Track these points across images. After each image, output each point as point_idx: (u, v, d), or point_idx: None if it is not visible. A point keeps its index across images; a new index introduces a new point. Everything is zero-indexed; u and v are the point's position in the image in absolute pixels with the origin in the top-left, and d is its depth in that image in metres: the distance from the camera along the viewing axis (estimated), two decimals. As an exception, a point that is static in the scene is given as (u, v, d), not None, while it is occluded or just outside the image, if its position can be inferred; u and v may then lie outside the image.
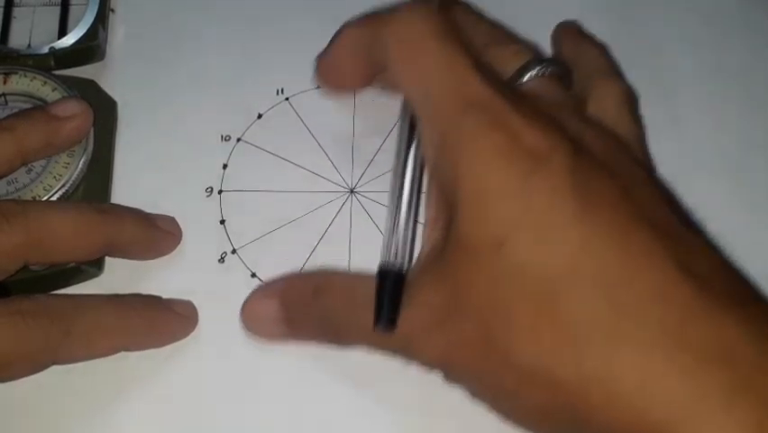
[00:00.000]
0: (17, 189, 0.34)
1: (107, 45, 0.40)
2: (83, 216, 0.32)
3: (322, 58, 0.35)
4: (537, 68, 0.31)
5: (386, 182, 0.36)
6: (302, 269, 0.35)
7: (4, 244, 0.30)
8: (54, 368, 0.31)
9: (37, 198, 0.34)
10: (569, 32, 0.37)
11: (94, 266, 0.34)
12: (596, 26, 0.39)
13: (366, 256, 0.35)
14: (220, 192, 0.37)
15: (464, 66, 0.28)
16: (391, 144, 0.37)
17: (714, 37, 0.40)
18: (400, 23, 0.30)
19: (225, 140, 0.38)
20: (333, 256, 0.35)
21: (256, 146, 0.38)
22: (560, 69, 0.32)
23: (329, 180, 0.37)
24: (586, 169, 0.27)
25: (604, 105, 0.32)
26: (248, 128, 0.38)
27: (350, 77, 0.35)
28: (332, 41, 0.34)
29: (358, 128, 0.38)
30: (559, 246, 0.25)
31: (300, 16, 0.41)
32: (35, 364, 0.30)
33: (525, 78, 0.31)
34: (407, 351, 0.29)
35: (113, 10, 0.41)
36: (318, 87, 0.39)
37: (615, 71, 0.34)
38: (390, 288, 0.29)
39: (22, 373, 0.30)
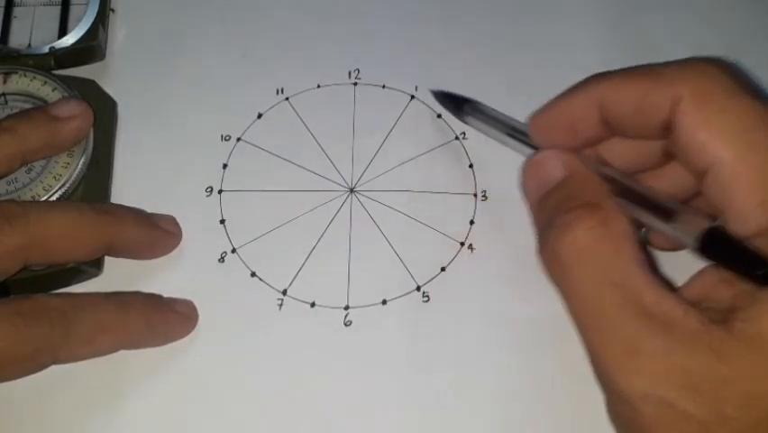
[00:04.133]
0: (17, 189, 0.34)
1: (107, 45, 0.40)
2: (83, 216, 0.32)
3: (552, 106, 0.31)
4: None
5: (386, 182, 0.36)
6: (302, 268, 0.35)
7: (5, 245, 0.30)
8: (54, 368, 0.31)
9: (36, 198, 0.34)
10: None
11: (94, 266, 0.34)
12: (596, 26, 0.39)
13: (366, 256, 0.35)
14: (220, 192, 0.37)
15: None
16: (391, 144, 0.37)
17: (714, 37, 0.40)
18: (697, 78, 0.27)
19: (225, 140, 0.38)
20: (333, 256, 0.35)
21: (256, 146, 0.38)
22: None
23: (329, 180, 0.37)
24: None
25: None
26: (248, 128, 0.38)
27: (577, 135, 0.31)
28: (575, 93, 0.30)
29: (358, 128, 0.38)
30: None
31: (300, 16, 0.41)
32: (35, 364, 0.30)
33: None
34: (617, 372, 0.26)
35: (113, 10, 0.41)
36: (316, 87, 0.39)
37: None
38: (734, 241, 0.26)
39: (23, 373, 0.30)
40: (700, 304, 0.27)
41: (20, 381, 0.30)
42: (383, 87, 0.39)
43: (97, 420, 0.32)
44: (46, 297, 0.31)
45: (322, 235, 0.35)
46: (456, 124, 0.38)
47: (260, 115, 0.38)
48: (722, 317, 0.25)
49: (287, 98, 0.39)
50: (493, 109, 0.36)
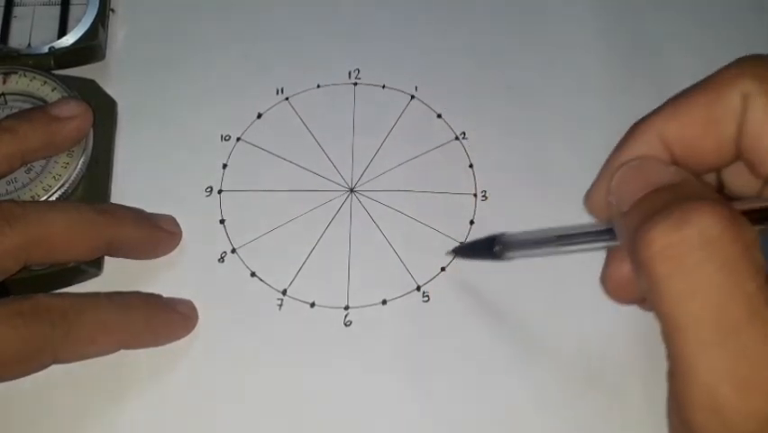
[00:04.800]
0: (16, 189, 0.34)
1: (107, 45, 0.40)
2: (83, 216, 0.32)
3: (610, 172, 0.26)
4: None
5: (386, 181, 0.36)
6: (302, 268, 0.35)
7: (5, 245, 0.30)
8: (54, 368, 0.31)
9: (36, 198, 0.34)
10: None
11: (94, 266, 0.34)
12: (596, 26, 0.39)
13: (366, 256, 0.35)
14: (220, 192, 0.37)
15: None
16: (391, 144, 0.37)
17: (712, 37, 0.40)
18: (757, 71, 0.24)
19: (225, 139, 0.38)
20: (332, 256, 0.35)
21: (256, 146, 0.38)
22: None
23: (329, 180, 0.37)
24: None
25: None
26: (248, 128, 0.38)
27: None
28: (631, 143, 0.26)
29: (358, 128, 0.38)
30: None
31: (300, 16, 0.41)
32: (35, 364, 0.30)
33: None
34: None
35: (113, 10, 0.41)
36: (316, 87, 0.39)
37: None
38: None
39: (23, 373, 0.30)
40: None
41: (20, 381, 0.30)
42: (383, 87, 0.39)
43: (97, 420, 0.32)
44: (46, 297, 0.31)
45: (322, 235, 0.35)
46: (456, 124, 0.38)
47: (260, 115, 0.38)
48: None
49: (287, 98, 0.39)
50: (527, 232, 0.31)
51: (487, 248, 0.32)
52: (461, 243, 0.35)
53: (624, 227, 0.25)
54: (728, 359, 0.21)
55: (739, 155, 0.25)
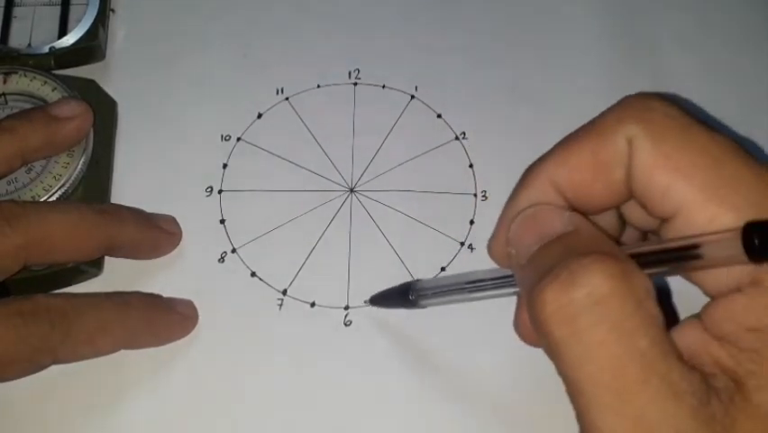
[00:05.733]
0: (17, 189, 0.34)
1: (107, 45, 0.40)
2: (83, 216, 0.32)
3: (507, 219, 0.26)
4: None
5: (386, 182, 0.36)
6: (302, 268, 0.35)
7: (5, 245, 0.30)
8: (54, 368, 0.31)
9: (36, 198, 0.34)
10: None
11: (94, 266, 0.34)
12: (596, 26, 0.39)
13: (366, 256, 0.35)
14: (220, 192, 0.37)
15: (752, 159, 0.23)
16: (391, 144, 0.37)
17: (712, 37, 0.40)
18: (646, 109, 0.24)
19: (225, 139, 0.38)
20: (332, 256, 0.35)
21: (256, 146, 0.38)
22: None
23: (329, 180, 0.37)
24: None
25: None
26: (248, 128, 0.38)
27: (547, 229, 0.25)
28: (524, 190, 0.26)
29: (358, 128, 0.38)
30: None
31: (300, 16, 0.41)
32: (35, 364, 0.30)
33: None
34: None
35: (113, 10, 0.41)
36: (316, 87, 0.39)
37: None
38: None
39: (23, 373, 0.30)
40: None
41: (20, 381, 0.30)
42: (383, 87, 0.39)
43: (97, 420, 0.32)
44: (46, 297, 0.31)
45: (322, 235, 0.35)
46: (456, 124, 0.38)
47: (260, 115, 0.38)
48: (728, 386, 0.22)
49: (287, 98, 0.39)
50: (439, 278, 0.33)
51: (402, 296, 0.32)
52: (374, 294, 0.34)
53: (521, 282, 0.26)
54: (627, 423, 0.21)
55: (631, 195, 0.25)
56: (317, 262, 0.35)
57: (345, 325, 0.33)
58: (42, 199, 0.34)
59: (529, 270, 0.24)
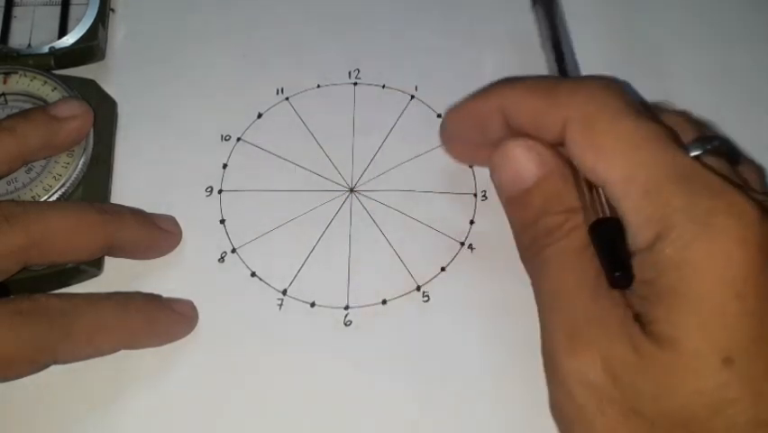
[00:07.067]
0: (17, 189, 0.34)
1: (107, 45, 0.40)
2: (83, 216, 0.32)
3: (463, 104, 0.33)
4: (708, 145, 0.30)
5: (386, 182, 0.37)
6: (302, 268, 0.35)
7: (5, 245, 0.30)
8: (54, 368, 0.31)
9: (36, 198, 0.34)
10: (687, 117, 0.34)
11: (94, 266, 0.34)
12: (596, 26, 0.39)
13: (366, 256, 0.35)
14: (220, 192, 0.37)
15: (671, 143, 0.27)
16: (391, 144, 0.37)
17: (714, 37, 0.40)
18: (583, 103, 0.28)
19: (225, 139, 0.38)
20: (332, 256, 0.35)
21: (256, 146, 0.38)
22: (728, 146, 0.31)
23: (329, 180, 0.37)
24: None
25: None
26: (248, 128, 0.38)
27: (485, 134, 0.32)
28: (485, 95, 0.32)
29: (358, 128, 0.38)
30: None
31: (300, 16, 0.41)
32: (35, 364, 0.30)
33: (692, 155, 0.30)
34: (556, 384, 0.28)
35: (113, 9, 0.41)
36: (316, 87, 0.39)
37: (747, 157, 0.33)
38: (614, 240, 0.28)
39: (23, 373, 0.30)
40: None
41: (20, 381, 0.30)
42: (383, 87, 0.39)
43: (97, 420, 0.32)
44: (46, 297, 0.31)
45: (322, 235, 0.35)
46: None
47: (260, 115, 0.38)
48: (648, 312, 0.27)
49: (287, 98, 0.39)
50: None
51: None
52: None
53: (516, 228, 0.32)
54: (559, 326, 0.28)
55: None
56: (317, 262, 0.35)
57: (345, 325, 0.33)
58: (42, 199, 0.34)
59: (514, 214, 0.32)
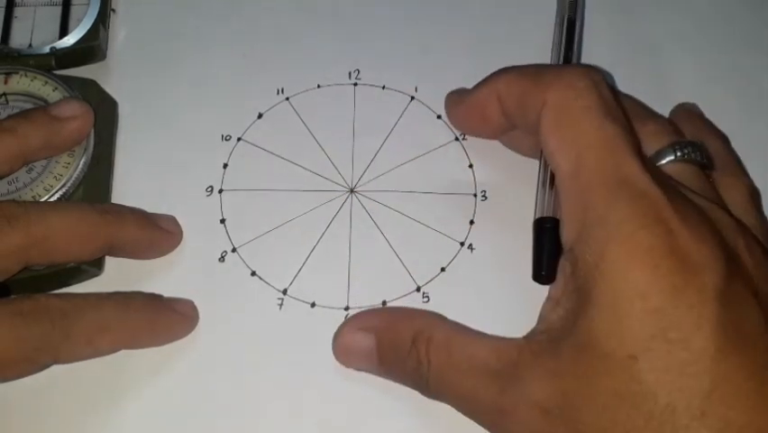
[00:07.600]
0: (17, 189, 0.34)
1: (108, 45, 0.40)
2: (84, 216, 0.32)
3: (466, 97, 0.35)
4: (679, 152, 0.30)
5: (386, 182, 0.37)
6: (302, 268, 0.35)
7: (5, 245, 0.30)
8: (54, 368, 0.31)
9: (37, 198, 0.34)
10: (690, 116, 0.36)
11: (94, 266, 0.34)
12: (596, 26, 0.39)
13: (366, 256, 0.35)
14: (220, 191, 0.37)
15: (624, 149, 0.28)
16: (391, 144, 0.37)
17: (714, 37, 0.40)
18: (562, 89, 0.29)
19: (226, 139, 0.38)
20: (332, 256, 0.35)
21: (256, 146, 0.38)
22: (701, 154, 0.31)
23: (329, 180, 0.37)
24: (735, 296, 0.26)
25: (730, 201, 0.31)
26: (248, 128, 0.38)
27: (488, 123, 0.34)
28: (483, 84, 0.34)
29: (358, 128, 0.38)
30: (690, 384, 0.25)
31: (300, 16, 0.41)
32: (35, 364, 0.30)
33: (664, 162, 0.31)
34: (499, 427, 0.29)
35: (114, 10, 0.41)
36: (316, 87, 0.39)
37: (740, 165, 0.34)
38: (549, 242, 0.30)
39: (23, 373, 0.30)
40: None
41: (20, 381, 0.30)
42: (383, 87, 0.39)
43: (97, 420, 0.32)
44: (46, 297, 0.31)
45: (322, 235, 0.35)
46: (456, 125, 0.38)
47: (260, 115, 0.38)
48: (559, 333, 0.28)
49: (287, 98, 0.39)
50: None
51: None
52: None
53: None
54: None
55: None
56: (317, 262, 0.35)
57: (345, 325, 0.33)
58: (43, 199, 0.34)
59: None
